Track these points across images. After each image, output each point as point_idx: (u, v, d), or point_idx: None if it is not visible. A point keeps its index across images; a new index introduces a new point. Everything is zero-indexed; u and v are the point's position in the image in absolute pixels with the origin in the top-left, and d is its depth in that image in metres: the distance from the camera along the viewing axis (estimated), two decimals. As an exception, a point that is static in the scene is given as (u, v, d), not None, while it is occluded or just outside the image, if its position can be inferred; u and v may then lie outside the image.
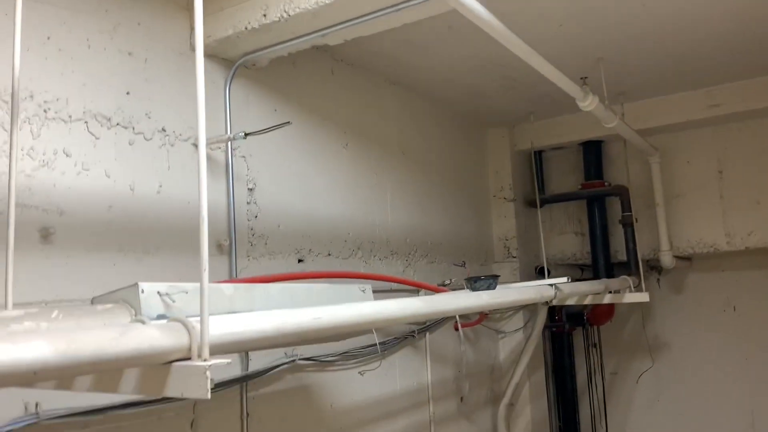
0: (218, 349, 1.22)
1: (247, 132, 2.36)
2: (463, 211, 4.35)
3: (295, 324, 1.40)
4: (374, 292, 2.32)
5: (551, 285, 2.81)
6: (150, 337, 1.10)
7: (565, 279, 2.81)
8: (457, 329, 3.98)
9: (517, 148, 4.74)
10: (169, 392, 1.14)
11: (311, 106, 3.09)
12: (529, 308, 4.60)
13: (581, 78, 3.12)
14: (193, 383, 1.11)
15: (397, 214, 3.63)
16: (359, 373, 3.10)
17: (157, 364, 1.14)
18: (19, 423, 1.80)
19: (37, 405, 1.85)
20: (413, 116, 3.93)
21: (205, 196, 1.19)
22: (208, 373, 1.10)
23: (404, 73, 3.59)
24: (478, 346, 4.30)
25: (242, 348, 1.28)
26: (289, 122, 2.35)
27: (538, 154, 4.91)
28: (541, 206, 4.75)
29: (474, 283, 2.37)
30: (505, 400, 4.29)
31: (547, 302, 2.81)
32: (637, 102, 4.27)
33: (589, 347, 5.14)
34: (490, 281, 2.35)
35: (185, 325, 1.17)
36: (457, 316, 3.92)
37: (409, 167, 3.81)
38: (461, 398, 3.99)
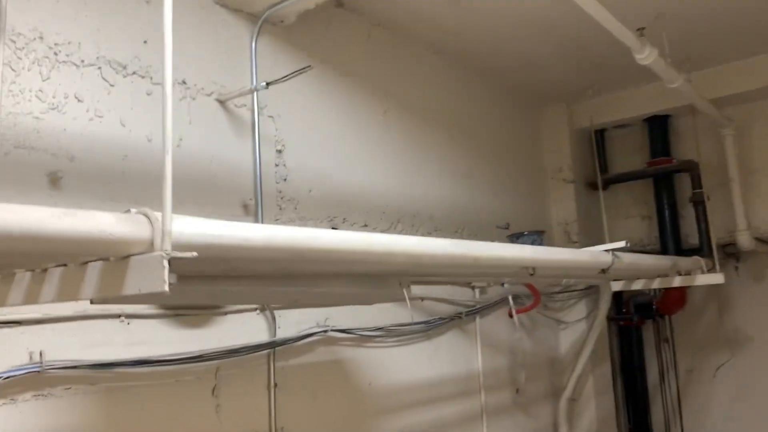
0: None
1: (268, 81, 2.23)
2: (517, 191, 4.10)
3: (287, 239, 1.24)
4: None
5: (608, 251, 2.55)
6: (102, 222, 0.96)
7: (622, 243, 2.53)
8: (511, 316, 3.73)
9: (576, 126, 4.45)
10: (128, 289, 0.99)
11: (346, 70, 2.95)
12: (592, 297, 4.29)
13: (638, 29, 2.85)
14: (151, 276, 0.96)
15: (442, 190, 3.43)
16: (397, 343, 2.91)
17: (115, 258, 1.00)
18: (20, 370, 1.71)
19: (41, 353, 1.76)
20: (460, 88, 3.74)
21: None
22: (165, 262, 0.95)
23: (448, 40, 3.41)
24: (536, 335, 4.02)
25: (221, 256, 1.12)
26: (310, 66, 2.21)
27: (600, 134, 4.61)
28: (604, 188, 4.43)
29: (516, 239, 2.15)
30: (567, 394, 3.99)
31: (603, 270, 2.54)
32: (705, 70, 3.93)
33: (660, 342, 4.75)
34: (534, 237, 2.12)
35: (148, 216, 1.02)
36: (511, 301, 3.67)
37: (457, 142, 3.61)
38: (517, 390, 3.72)
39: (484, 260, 1.85)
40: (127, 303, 1.68)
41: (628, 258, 2.74)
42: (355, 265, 1.48)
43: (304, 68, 2.16)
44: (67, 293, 1.08)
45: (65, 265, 1.09)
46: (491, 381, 3.53)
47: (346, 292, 1.97)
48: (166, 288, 0.93)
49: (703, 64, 3.89)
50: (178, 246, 1.01)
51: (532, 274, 2.15)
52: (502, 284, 3.34)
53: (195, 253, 0.99)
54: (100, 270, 1.02)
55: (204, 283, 1.55)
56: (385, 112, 3.12)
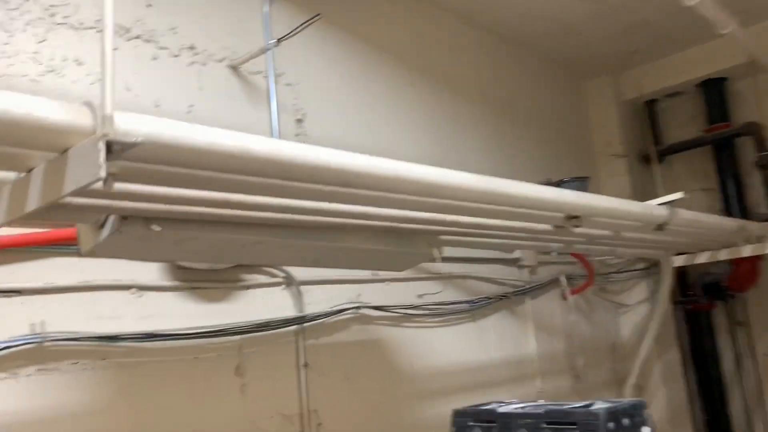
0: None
1: (278, 38, 2.10)
2: (563, 169, 3.84)
3: (271, 152, 1.08)
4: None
5: (663, 204, 2.30)
6: (37, 106, 0.82)
7: (680, 194, 2.27)
8: (565, 298, 3.48)
9: (625, 98, 4.18)
10: (68, 186, 0.86)
11: (366, 39, 2.80)
12: (653, 277, 3.98)
13: (681, -33, 2.61)
14: (88, 164, 0.82)
15: (480, 166, 3.21)
16: (439, 323, 2.71)
17: (52, 150, 0.86)
18: (19, 341, 1.60)
19: (42, 324, 1.65)
20: (495, 61, 3.54)
21: None
22: (101, 144, 0.80)
23: (477, 8, 3.23)
24: (594, 319, 3.74)
25: (179, 159, 0.96)
26: (319, 15, 2.07)
27: (651, 105, 4.32)
28: (660, 161, 4.13)
29: (557, 186, 1.94)
30: (631, 380, 3.69)
31: (659, 226, 2.29)
32: (763, 23, 3.62)
33: (734, 326, 4.37)
34: (577, 183, 1.91)
35: (90, 106, 0.88)
36: (564, 281, 3.42)
37: (493, 117, 3.41)
38: (577, 375, 3.45)
39: (518, 201, 1.66)
40: (116, 256, 1.55)
41: (687, 214, 2.48)
42: (359, 199, 1.32)
43: (313, 17, 2.03)
44: (15, 209, 0.95)
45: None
46: (547, 366, 3.28)
47: (371, 250, 1.81)
48: (103, 173, 0.79)
49: (759, 16, 3.58)
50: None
51: (577, 226, 1.93)
52: (550, 253, 3.10)
53: (140, 138, 0.84)
54: (44, 172, 0.89)
55: (203, 229, 1.41)
56: (413, 83, 2.96)
